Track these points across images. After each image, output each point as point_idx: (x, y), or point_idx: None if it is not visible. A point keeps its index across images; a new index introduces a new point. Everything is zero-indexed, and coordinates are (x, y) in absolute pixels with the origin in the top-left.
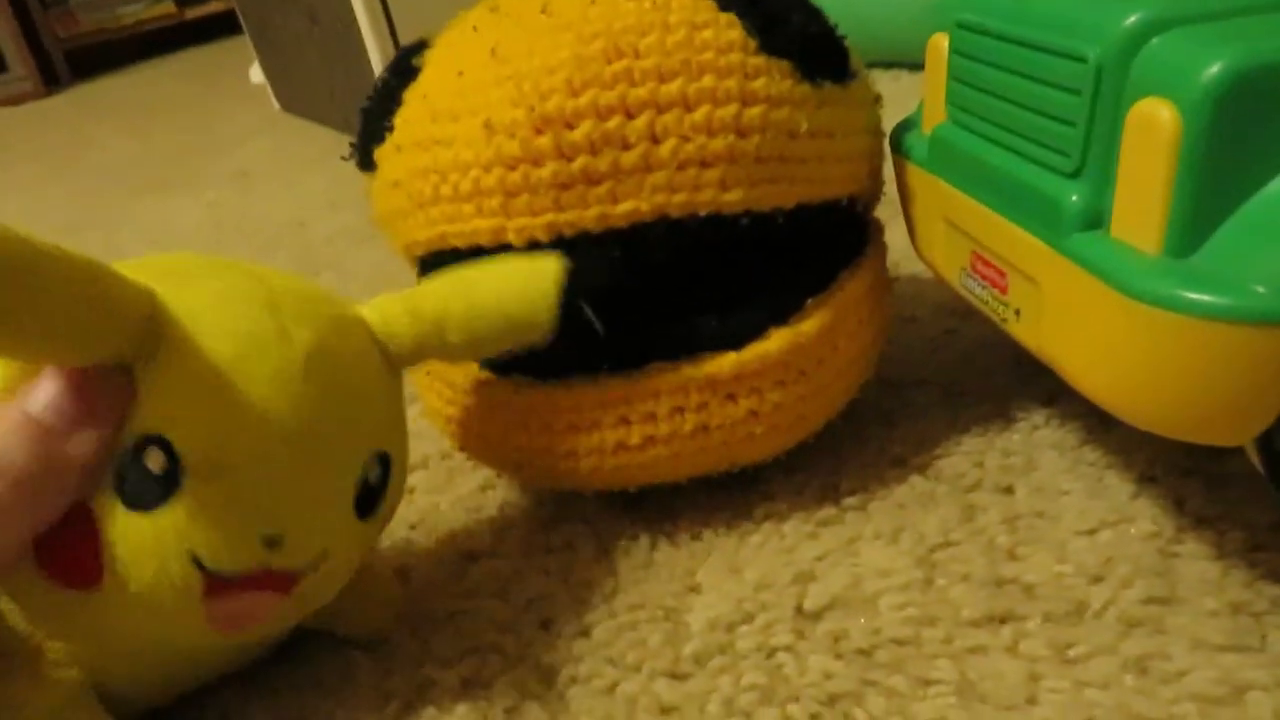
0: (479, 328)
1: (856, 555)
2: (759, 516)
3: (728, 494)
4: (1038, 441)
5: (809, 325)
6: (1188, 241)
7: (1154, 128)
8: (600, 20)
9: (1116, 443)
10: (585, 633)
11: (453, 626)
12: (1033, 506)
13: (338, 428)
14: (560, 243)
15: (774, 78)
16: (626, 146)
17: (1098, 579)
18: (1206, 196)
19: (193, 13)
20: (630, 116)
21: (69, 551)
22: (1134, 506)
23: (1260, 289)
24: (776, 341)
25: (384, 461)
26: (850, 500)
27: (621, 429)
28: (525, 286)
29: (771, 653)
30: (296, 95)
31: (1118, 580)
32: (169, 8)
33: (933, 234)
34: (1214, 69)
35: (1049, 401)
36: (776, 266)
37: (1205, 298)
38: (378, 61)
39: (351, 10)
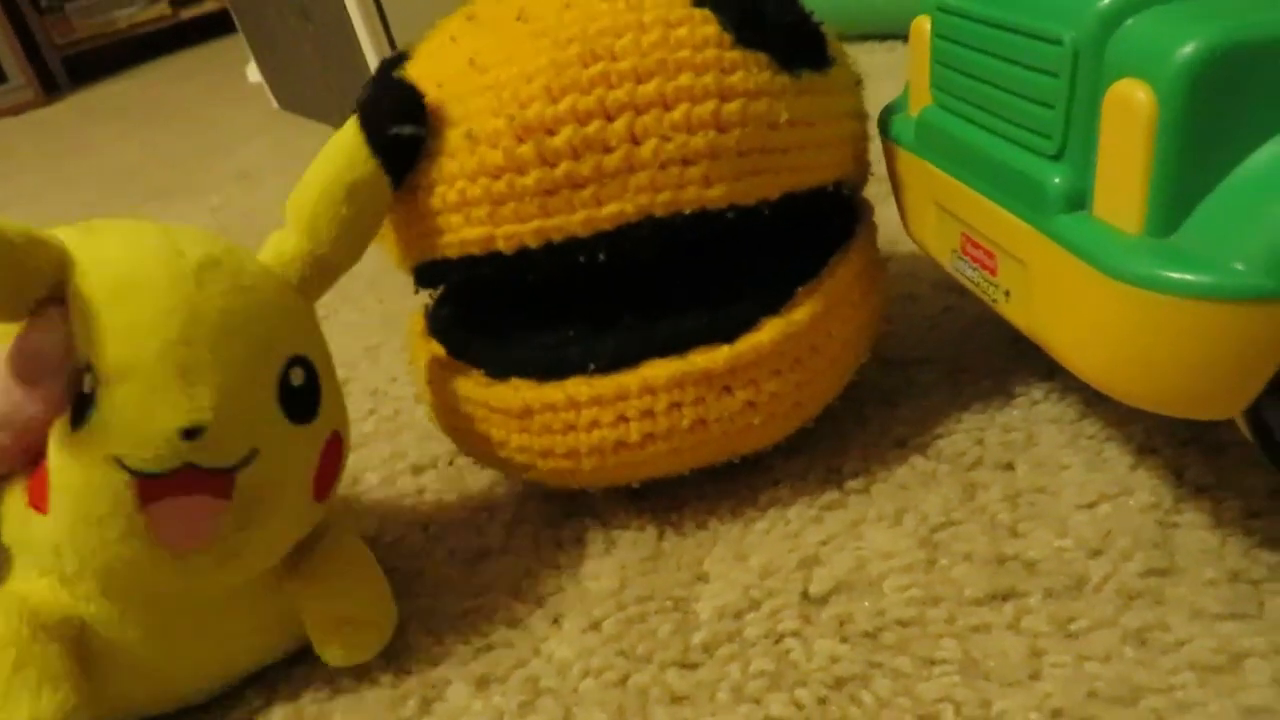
0: (325, 206)
1: (860, 538)
2: (763, 503)
3: (732, 481)
4: (1037, 416)
5: (801, 313)
6: (1168, 221)
7: (1131, 109)
8: (575, 24)
9: (1115, 415)
10: (596, 626)
11: (466, 624)
12: (1033, 482)
13: (240, 328)
14: (549, 247)
15: (751, 71)
16: (608, 150)
17: (1098, 553)
18: (1185, 176)
19: (188, 13)
20: (610, 119)
21: (36, 475)
22: (1133, 478)
23: (1239, 266)
24: (769, 332)
25: (306, 367)
26: (853, 483)
27: (621, 427)
28: (332, 150)
29: (779, 639)
30: (294, 93)
31: (1117, 553)
32: (164, 9)
33: (923, 217)
34: (1188, 49)
35: (1048, 376)
36: (766, 257)
37: (1186, 276)
38: (372, 56)
39: (344, 6)
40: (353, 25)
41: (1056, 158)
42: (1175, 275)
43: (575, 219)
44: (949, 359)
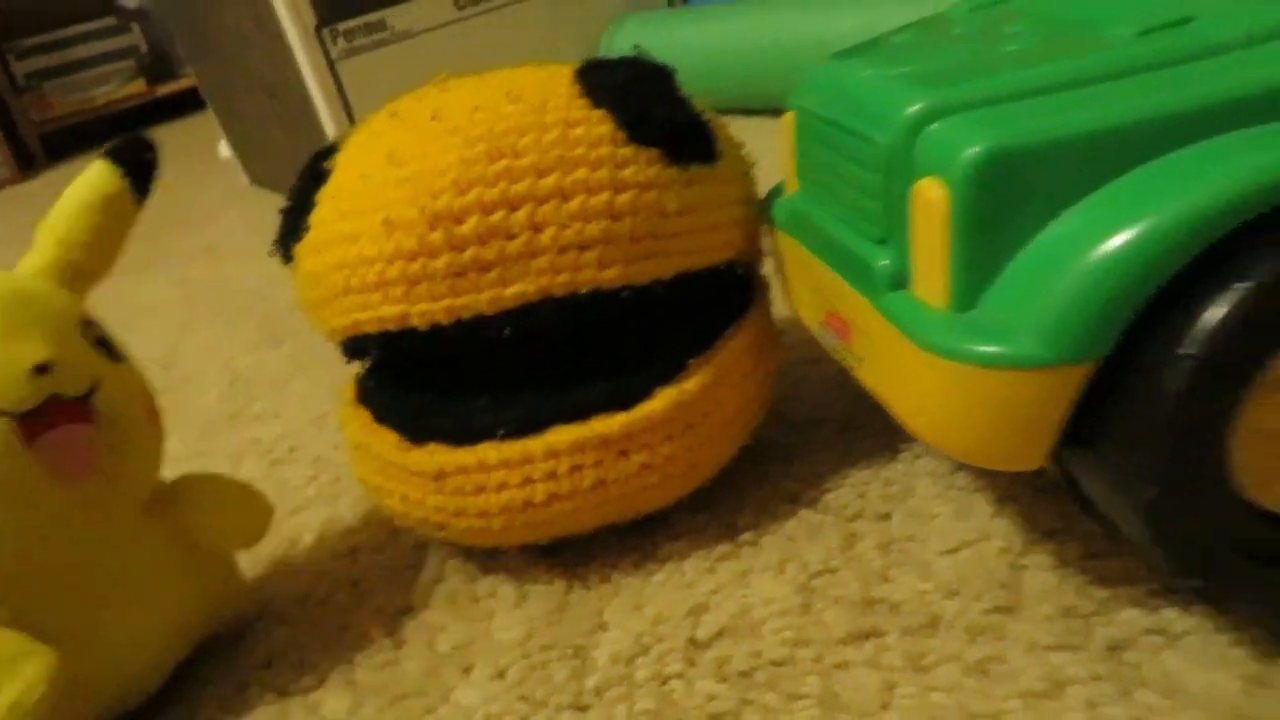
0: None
1: (747, 586)
2: (663, 556)
3: (637, 537)
4: (917, 470)
5: (692, 384)
6: (968, 298)
7: (930, 203)
8: (483, 124)
9: (984, 468)
10: (501, 674)
11: (384, 676)
12: (906, 531)
13: (37, 299)
14: (459, 324)
15: (642, 165)
16: (511, 236)
17: (954, 593)
18: (977, 260)
19: (164, 89)
20: (513, 209)
21: None
22: (993, 525)
23: (1024, 337)
24: (662, 400)
25: (96, 326)
26: (746, 536)
27: (528, 488)
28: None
29: (665, 680)
30: (263, 168)
31: (970, 594)
32: (140, 86)
33: (799, 291)
34: (971, 152)
35: None
36: (660, 331)
37: (977, 347)
38: (332, 132)
39: (306, 86)
40: (315, 104)
41: (882, 242)
42: (969, 347)
43: (482, 298)
44: (843, 418)
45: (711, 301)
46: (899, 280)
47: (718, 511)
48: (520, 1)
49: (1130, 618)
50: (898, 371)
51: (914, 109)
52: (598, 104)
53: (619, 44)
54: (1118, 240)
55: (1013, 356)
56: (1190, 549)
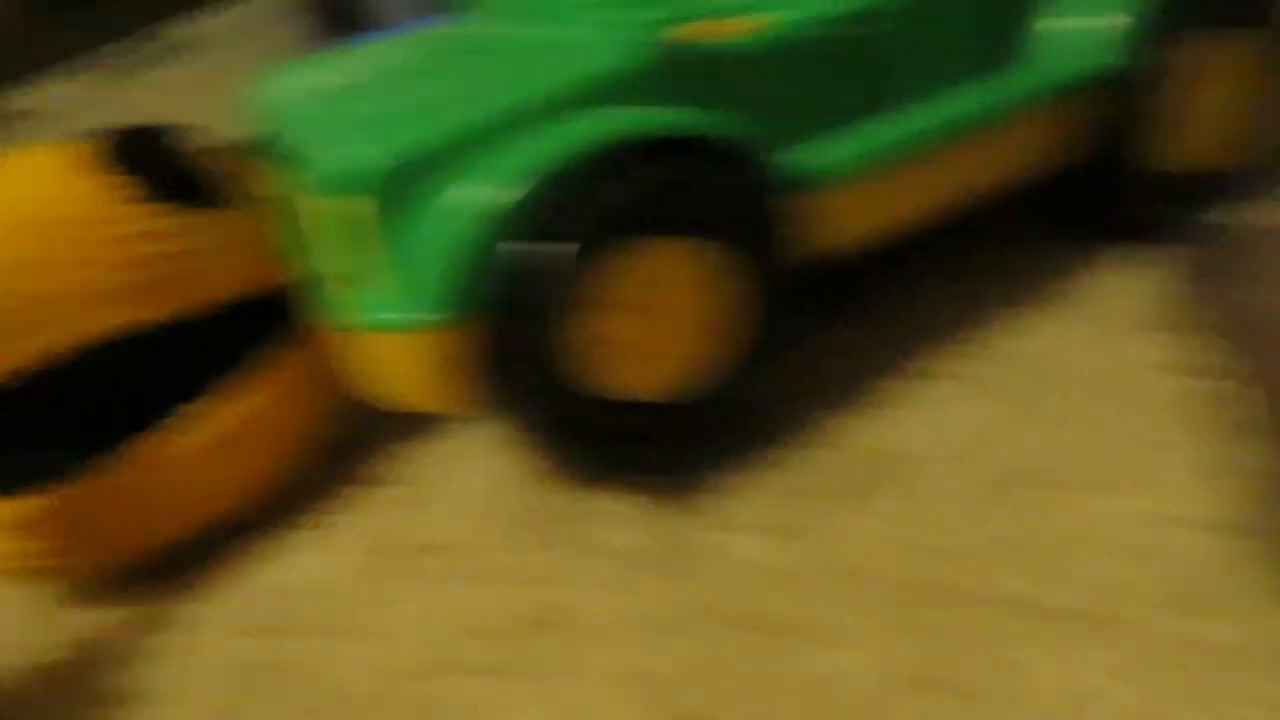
0: None
1: (318, 557)
2: (255, 550)
3: (235, 538)
4: (474, 435)
5: (231, 407)
6: (380, 286)
7: (335, 213)
8: (17, 204)
9: None
10: (102, 677)
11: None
12: (451, 486)
13: None
14: (28, 373)
15: (161, 218)
16: (43, 299)
17: (486, 519)
18: (384, 250)
19: None
20: (45, 274)
21: None
22: (512, 468)
23: (411, 306)
24: (202, 418)
25: None
26: (326, 517)
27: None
28: None
29: (257, 637)
30: None
31: (497, 520)
32: None
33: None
34: (367, 165)
35: None
36: (197, 360)
37: (383, 317)
38: None
39: None
40: None
41: (321, 254)
42: (375, 317)
43: (30, 350)
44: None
45: (249, 330)
46: (345, 279)
47: (306, 498)
48: (162, 68)
49: (593, 509)
50: (347, 351)
51: (306, 135)
52: (119, 170)
53: (269, 98)
54: (451, 220)
55: (408, 321)
56: (578, 445)
